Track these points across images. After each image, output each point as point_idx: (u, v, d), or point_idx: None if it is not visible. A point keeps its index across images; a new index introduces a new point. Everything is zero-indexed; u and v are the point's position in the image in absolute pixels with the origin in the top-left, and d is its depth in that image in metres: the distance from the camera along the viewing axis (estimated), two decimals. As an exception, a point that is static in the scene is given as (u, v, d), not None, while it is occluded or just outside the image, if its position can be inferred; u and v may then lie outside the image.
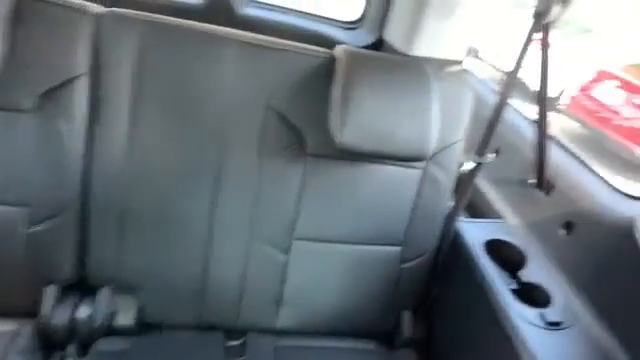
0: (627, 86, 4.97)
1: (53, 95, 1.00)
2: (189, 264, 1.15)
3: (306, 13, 1.81)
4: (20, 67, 0.98)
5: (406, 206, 1.19)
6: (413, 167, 1.16)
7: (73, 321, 1.10)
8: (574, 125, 5.30)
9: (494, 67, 6.37)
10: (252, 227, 1.13)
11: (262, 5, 1.75)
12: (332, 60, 1.10)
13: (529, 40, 1.05)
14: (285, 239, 1.16)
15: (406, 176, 1.17)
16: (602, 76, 5.26)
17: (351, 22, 1.84)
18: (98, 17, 1.02)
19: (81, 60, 1.01)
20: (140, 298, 1.15)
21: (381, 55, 1.22)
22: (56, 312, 1.10)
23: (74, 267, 1.12)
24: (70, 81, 1.01)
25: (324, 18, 1.82)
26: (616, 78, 5.12)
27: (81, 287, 1.14)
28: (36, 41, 0.99)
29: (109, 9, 1.04)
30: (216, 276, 1.17)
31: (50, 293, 1.10)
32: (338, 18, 1.84)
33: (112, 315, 1.13)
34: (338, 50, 1.10)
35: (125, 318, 1.13)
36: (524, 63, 1.07)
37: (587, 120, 5.20)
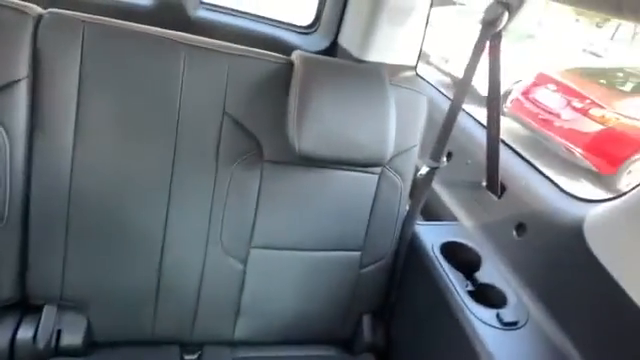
0: (565, 89, 5.26)
1: None
2: (141, 277, 1.10)
3: (259, 16, 1.79)
4: None
5: (364, 211, 1.19)
6: (370, 172, 1.16)
7: (14, 343, 1.02)
8: (516, 127, 5.55)
9: (444, 72, 6.59)
10: (208, 236, 1.10)
11: (214, 8, 1.72)
12: (289, 66, 1.08)
13: (479, 48, 1.08)
14: (242, 248, 1.13)
15: (364, 181, 1.17)
16: (541, 80, 5.54)
17: (305, 27, 1.84)
18: (38, 18, 0.96)
19: (21, 63, 0.94)
20: (88, 315, 1.09)
21: (338, 61, 1.22)
22: None
23: (14, 285, 1.04)
24: (9, 85, 0.94)
25: (278, 22, 1.81)
26: (555, 82, 5.41)
27: (22, 306, 1.07)
28: None
29: (50, 10, 0.98)
30: (170, 288, 1.12)
31: None
32: (292, 22, 1.84)
33: (57, 335, 1.06)
34: (295, 56, 1.09)
35: (72, 337, 1.06)
36: (476, 69, 1.10)
37: (529, 122, 5.45)
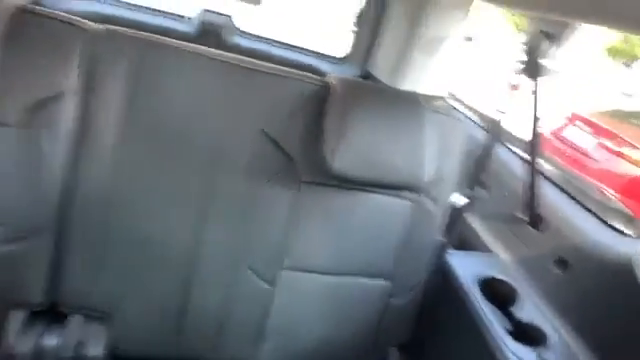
0: (597, 129, 5.16)
1: (39, 111, 0.95)
2: (168, 293, 1.09)
3: (294, 46, 1.82)
4: (9, 80, 0.93)
5: (396, 237, 1.15)
6: (405, 198, 1.13)
7: (39, 350, 1.02)
8: (546, 166, 5.43)
9: (469, 108, 6.56)
10: (238, 256, 1.08)
11: (251, 36, 1.76)
12: (325, 88, 1.08)
13: (520, 78, 1.06)
14: (272, 269, 1.11)
15: (398, 207, 1.14)
16: (572, 119, 5.45)
17: (339, 57, 1.86)
18: (93, 33, 0.99)
19: (72, 77, 0.97)
20: (113, 327, 1.07)
21: (375, 85, 1.22)
22: (21, 339, 1.01)
23: (45, 292, 1.04)
24: (58, 97, 0.96)
25: (312, 51, 1.84)
26: (586, 121, 5.32)
27: (50, 313, 1.06)
28: (28, 54, 0.95)
29: (105, 26, 1.01)
30: (196, 307, 1.10)
31: (16, 318, 1.02)
32: (325, 52, 1.87)
33: (82, 345, 1.05)
34: (332, 78, 1.09)
35: (95, 349, 1.05)
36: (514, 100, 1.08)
37: (559, 161, 5.33)
